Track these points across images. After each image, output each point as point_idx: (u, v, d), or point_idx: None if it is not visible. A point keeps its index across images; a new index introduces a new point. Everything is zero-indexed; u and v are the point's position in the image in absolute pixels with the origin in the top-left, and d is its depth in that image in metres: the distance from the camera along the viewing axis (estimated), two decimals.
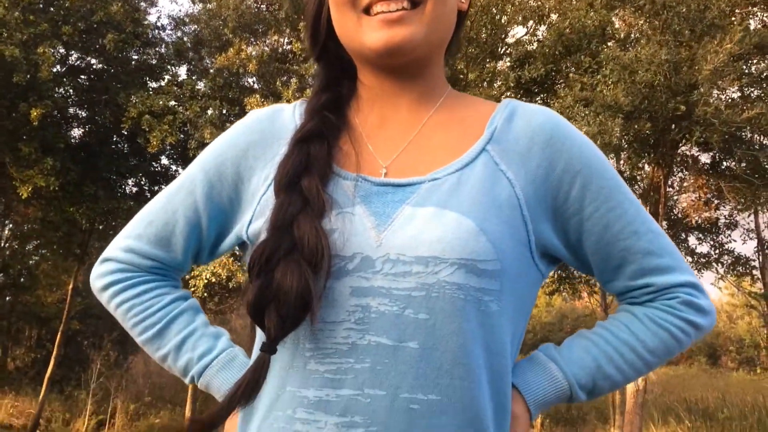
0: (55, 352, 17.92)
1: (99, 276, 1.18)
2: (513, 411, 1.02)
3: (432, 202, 1.03)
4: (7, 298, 21.90)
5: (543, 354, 1.10)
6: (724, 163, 12.39)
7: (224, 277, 14.22)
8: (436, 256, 0.96)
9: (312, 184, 1.03)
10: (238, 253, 1.28)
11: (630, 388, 11.01)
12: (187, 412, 16.96)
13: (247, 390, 0.92)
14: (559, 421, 20.17)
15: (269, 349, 0.94)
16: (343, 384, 0.93)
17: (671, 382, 22.78)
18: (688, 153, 12.76)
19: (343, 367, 0.94)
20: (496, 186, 1.05)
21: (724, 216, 13.98)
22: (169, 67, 15.27)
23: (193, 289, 12.87)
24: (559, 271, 15.43)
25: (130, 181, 16.81)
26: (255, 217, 1.11)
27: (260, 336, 1.01)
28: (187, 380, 1.12)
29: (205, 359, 1.10)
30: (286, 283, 0.93)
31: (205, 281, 13.75)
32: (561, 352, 1.10)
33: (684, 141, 11.24)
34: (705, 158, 12.80)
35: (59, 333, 18.10)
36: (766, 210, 13.30)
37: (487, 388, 0.96)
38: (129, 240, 1.18)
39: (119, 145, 17.08)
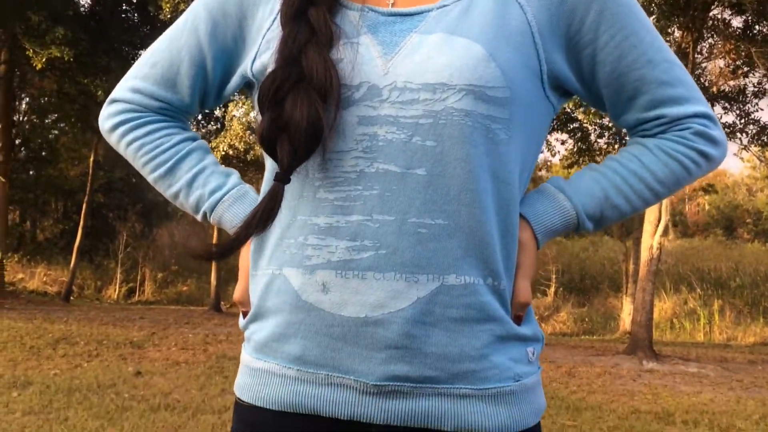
0: (81, 224, 18.45)
1: (107, 117, 1.15)
2: (520, 238, 0.99)
3: (440, 29, 0.98)
4: (31, 172, 22.31)
5: (551, 185, 1.07)
6: (757, 27, 11.85)
7: (242, 149, 14.30)
8: (444, 83, 0.93)
9: (319, 14, 0.98)
10: (241, 99, 1.23)
11: (644, 256, 11.18)
12: (213, 281, 17.64)
13: (264, 216, 0.91)
14: (572, 291, 20.77)
15: (283, 178, 0.92)
16: (353, 211, 0.92)
17: (685, 254, 23.12)
18: (719, 16, 12.18)
19: (352, 194, 0.93)
20: (507, 12, 0.99)
21: (753, 84, 13.56)
22: None
23: None
24: (579, 144, 15.28)
25: (141, 52, 16.53)
26: (260, 52, 1.06)
27: (270, 170, 0.99)
28: (199, 217, 1.12)
29: (216, 195, 1.10)
30: (296, 114, 0.91)
31: (223, 153, 13.85)
32: (569, 183, 1.06)
33: (716, 3, 10.68)
34: (737, 22, 12.24)
35: (84, 205, 18.55)
36: None
37: (493, 214, 0.95)
38: (135, 81, 1.14)
39: (129, 15, 16.65)
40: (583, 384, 9.09)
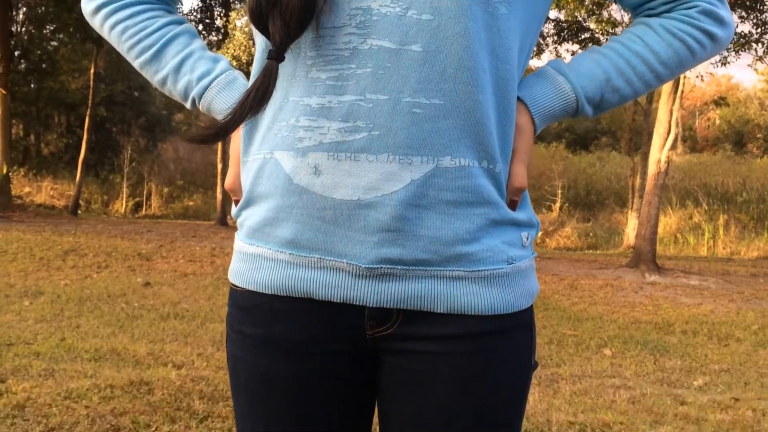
0: (85, 137, 18.37)
1: None
2: (517, 122, 0.93)
3: None
4: (32, 85, 22.04)
5: (551, 67, 1.01)
6: None
7: (245, 61, 14.02)
8: None
9: None
10: (243, 6, 1.14)
11: (651, 170, 11.11)
12: (218, 195, 17.71)
13: (258, 96, 0.86)
14: (578, 206, 20.81)
15: (277, 56, 0.87)
16: (345, 90, 0.86)
17: (693, 169, 23.00)
18: None
19: (345, 73, 0.87)
20: None
21: None
22: None
23: None
24: None
25: None
26: None
27: (261, 49, 0.93)
28: (188, 104, 1.07)
29: (204, 80, 1.04)
30: None
31: None
32: (570, 66, 1.00)
33: None
34: None
35: (87, 119, 18.41)
36: None
37: (491, 94, 0.89)
38: None
39: None
40: (585, 296, 9.22)
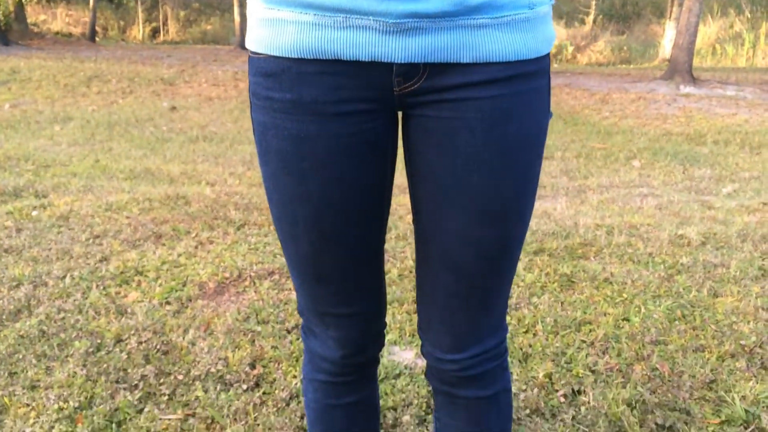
0: None
1: None
2: None
3: None
4: None
5: None
6: None
7: None
8: None
9: None
10: None
11: None
12: (236, 17, 17.12)
13: None
14: (612, 18, 19.77)
15: None
16: None
17: None
18: None
19: None
20: None
21: None
22: None
23: None
24: None
25: None
26: None
27: None
28: None
29: None
30: None
31: None
32: None
33: None
34: None
35: None
36: None
37: None
38: None
39: None
40: (616, 110, 9.03)
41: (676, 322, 2.29)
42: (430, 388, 1.91)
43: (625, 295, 2.51)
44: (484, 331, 1.04)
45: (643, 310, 2.39)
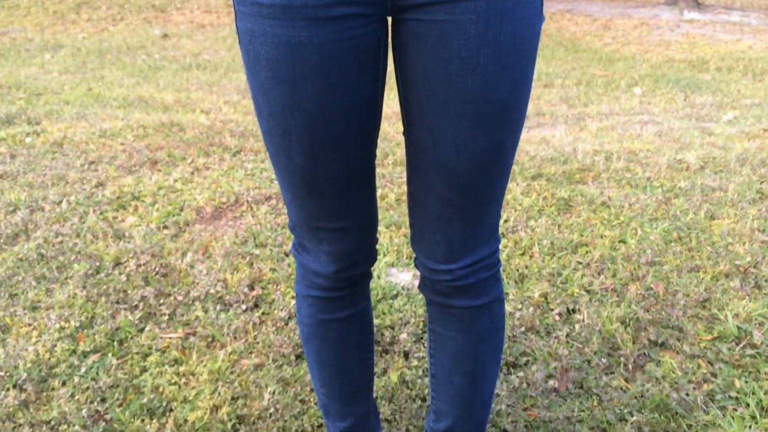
0: None
1: None
2: None
3: None
4: None
5: None
6: None
7: None
8: None
9: None
10: None
11: None
12: None
13: None
14: None
15: None
16: None
17: None
18: None
19: None
20: None
21: None
22: None
23: None
24: None
25: None
26: None
27: None
28: None
29: None
30: None
31: None
32: None
33: None
34: None
35: None
36: None
37: None
38: None
39: None
40: (618, 36, 8.86)
41: (672, 244, 2.31)
42: (427, 307, 1.93)
43: (622, 218, 2.51)
44: (477, 240, 1.04)
45: (639, 232, 2.40)
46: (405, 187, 2.84)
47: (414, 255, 1.11)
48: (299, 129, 0.94)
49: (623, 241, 2.34)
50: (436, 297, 1.11)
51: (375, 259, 1.16)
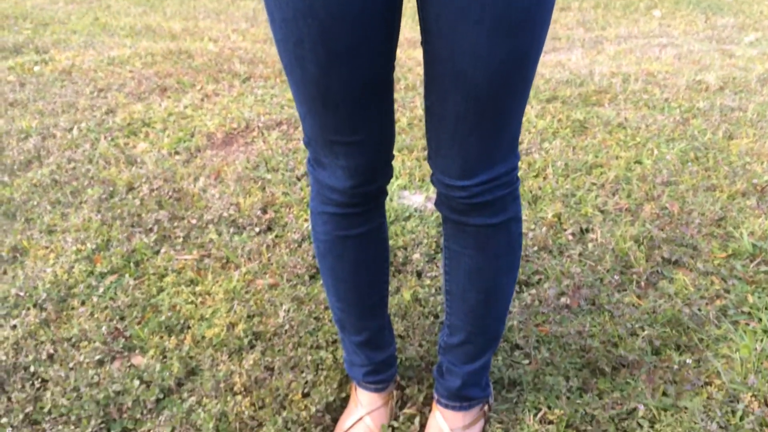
0: None
1: None
2: None
3: None
4: None
5: None
6: None
7: None
8: None
9: None
10: None
11: None
12: None
13: None
14: None
15: None
16: None
17: None
18: None
19: None
20: None
21: None
22: None
23: None
24: None
25: None
26: None
27: None
28: None
29: None
30: None
31: None
32: None
33: None
34: None
35: None
36: None
37: None
38: None
39: None
40: None
41: (689, 164, 2.27)
42: (440, 229, 1.93)
43: (638, 139, 2.47)
44: (495, 156, 1.02)
45: (656, 152, 2.36)
46: (417, 112, 2.80)
47: (431, 172, 1.09)
48: (312, 36, 0.92)
49: (639, 162, 2.30)
50: (452, 214, 1.10)
51: (391, 176, 1.15)
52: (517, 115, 1.00)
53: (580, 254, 1.80)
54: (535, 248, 1.83)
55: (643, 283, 1.68)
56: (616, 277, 1.69)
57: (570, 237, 1.88)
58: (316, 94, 0.99)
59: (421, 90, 3.07)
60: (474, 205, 1.05)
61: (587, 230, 1.92)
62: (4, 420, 1.31)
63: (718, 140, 2.45)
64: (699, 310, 1.57)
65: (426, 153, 2.40)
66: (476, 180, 1.03)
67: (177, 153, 2.46)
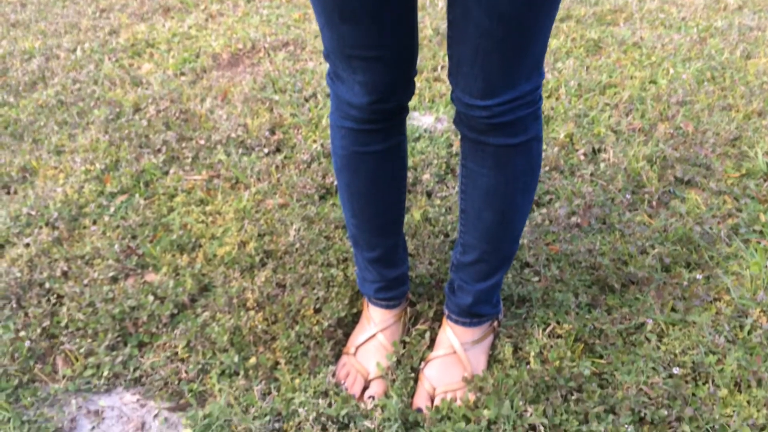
0: None
1: None
2: None
3: None
4: None
5: None
6: None
7: None
8: None
9: None
10: None
11: None
12: None
13: None
14: None
15: None
16: None
17: None
18: None
19: None
20: None
21: None
22: None
23: None
24: None
25: None
26: None
27: None
28: None
29: None
30: None
31: None
32: None
33: None
34: None
35: None
36: None
37: None
38: None
39: None
40: None
41: (705, 83, 2.22)
42: (450, 150, 1.91)
43: (653, 59, 2.41)
44: (519, 75, 0.97)
45: (671, 72, 2.31)
46: (427, 32, 2.73)
47: (451, 89, 1.05)
48: None
49: (654, 82, 2.26)
50: (471, 133, 1.06)
51: (413, 93, 1.11)
52: (543, 35, 0.95)
53: (591, 174, 1.79)
54: (547, 168, 1.82)
55: (654, 203, 1.67)
56: (628, 197, 1.68)
57: (582, 157, 1.86)
58: (333, 6, 0.95)
59: (431, 10, 2.98)
60: (495, 125, 1.02)
61: (599, 150, 1.90)
62: (23, 333, 1.33)
63: (735, 60, 2.39)
64: (710, 228, 1.56)
65: (436, 73, 2.35)
66: (498, 100, 0.99)
67: (183, 74, 2.42)
